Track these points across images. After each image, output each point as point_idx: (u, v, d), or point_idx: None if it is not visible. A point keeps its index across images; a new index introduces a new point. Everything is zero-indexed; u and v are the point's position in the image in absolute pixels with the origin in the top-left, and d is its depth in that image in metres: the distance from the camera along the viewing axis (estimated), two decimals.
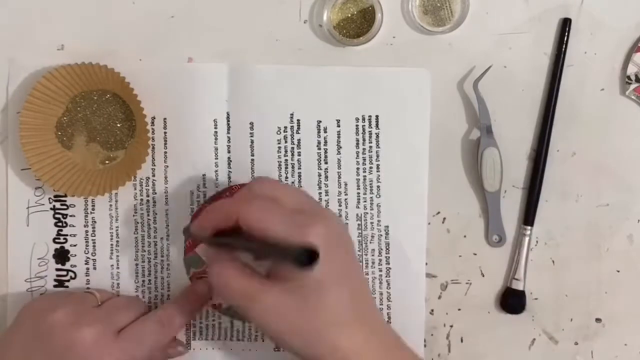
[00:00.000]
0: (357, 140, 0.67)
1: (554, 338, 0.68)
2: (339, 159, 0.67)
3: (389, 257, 0.67)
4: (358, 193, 0.68)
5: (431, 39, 0.67)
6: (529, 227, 0.67)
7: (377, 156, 0.67)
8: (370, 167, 0.67)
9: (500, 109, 0.67)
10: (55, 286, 0.68)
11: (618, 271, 0.68)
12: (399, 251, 0.67)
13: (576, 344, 0.68)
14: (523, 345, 0.68)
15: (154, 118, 0.66)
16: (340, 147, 0.67)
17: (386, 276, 0.67)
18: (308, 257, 0.49)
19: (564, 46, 0.66)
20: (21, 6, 0.67)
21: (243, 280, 0.55)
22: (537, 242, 0.68)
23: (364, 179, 0.67)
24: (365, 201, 0.68)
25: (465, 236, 0.68)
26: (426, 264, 0.67)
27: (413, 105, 0.67)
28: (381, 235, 0.67)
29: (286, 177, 0.67)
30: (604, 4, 0.66)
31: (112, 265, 0.68)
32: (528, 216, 0.67)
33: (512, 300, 0.67)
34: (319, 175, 0.67)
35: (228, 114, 0.67)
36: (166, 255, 0.68)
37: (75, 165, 0.67)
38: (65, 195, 0.67)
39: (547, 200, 0.67)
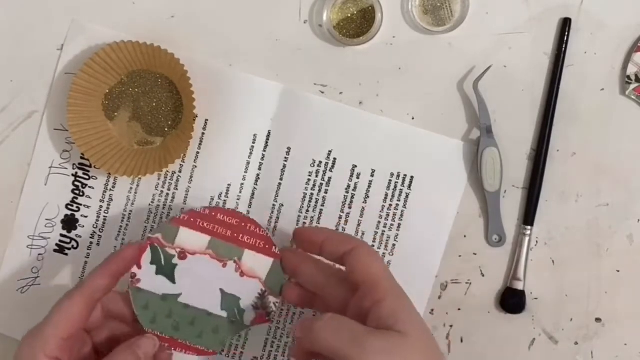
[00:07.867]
0: (387, 194, 0.67)
1: (554, 338, 0.68)
2: (363, 207, 0.67)
3: None
4: (372, 245, 0.67)
5: (431, 39, 0.67)
6: (529, 227, 0.67)
7: (402, 215, 0.67)
8: (392, 224, 0.67)
9: (500, 109, 0.67)
10: (55, 251, 0.68)
11: (618, 271, 0.67)
12: None
13: (576, 344, 0.68)
14: (523, 345, 0.68)
15: (196, 116, 0.66)
16: (368, 197, 0.67)
17: None
18: None
19: (564, 46, 0.66)
20: None
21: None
22: (537, 242, 0.67)
23: (382, 234, 0.67)
24: None
25: (465, 236, 0.68)
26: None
27: (449, 180, 0.67)
28: None
29: (307, 211, 0.67)
30: (604, 4, 0.66)
31: (115, 247, 0.68)
32: (528, 216, 0.67)
33: (512, 300, 0.67)
34: (340, 217, 0.67)
35: (269, 132, 0.67)
36: None
37: (112, 138, 0.67)
38: (90, 166, 0.67)
39: (547, 200, 0.67)
